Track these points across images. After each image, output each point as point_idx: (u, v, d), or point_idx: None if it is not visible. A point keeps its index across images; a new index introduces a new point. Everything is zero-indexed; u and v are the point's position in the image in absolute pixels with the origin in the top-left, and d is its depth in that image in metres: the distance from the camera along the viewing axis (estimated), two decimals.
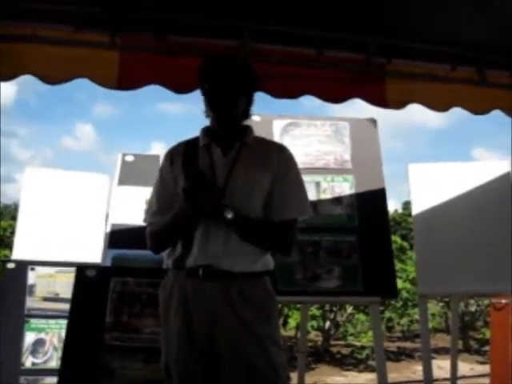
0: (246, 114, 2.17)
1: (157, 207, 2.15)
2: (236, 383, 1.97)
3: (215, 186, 1.99)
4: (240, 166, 2.05)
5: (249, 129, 2.19)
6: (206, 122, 2.19)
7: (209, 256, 1.99)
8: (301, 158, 3.39)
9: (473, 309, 8.91)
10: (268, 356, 1.99)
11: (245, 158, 2.09)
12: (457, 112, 3.87)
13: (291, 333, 8.28)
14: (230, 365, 1.96)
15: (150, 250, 2.21)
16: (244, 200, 2.03)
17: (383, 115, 3.96)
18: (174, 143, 2.23)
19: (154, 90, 3.37)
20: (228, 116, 2.10)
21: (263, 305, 2.04)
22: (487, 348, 7.29)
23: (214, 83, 2.05)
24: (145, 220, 2.22)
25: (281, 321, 7.50)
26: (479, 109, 3.87)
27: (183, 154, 2.13)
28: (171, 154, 2.18)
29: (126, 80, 3.32)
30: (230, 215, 1.95)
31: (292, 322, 7.61)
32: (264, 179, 2.08)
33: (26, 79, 3.17)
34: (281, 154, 2.17)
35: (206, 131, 2.17)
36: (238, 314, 1.97)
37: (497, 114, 3.94)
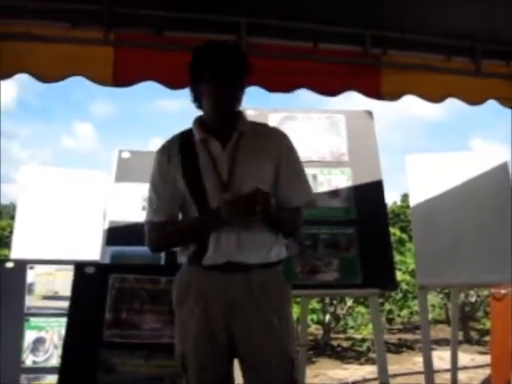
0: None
1: (159, 205, 2.09)
2: (251, 369, 1.99)
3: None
4: (241, 160, 2.02)
5: (242, 115, 2.13)
6: None
7: (224, 255, 1.98)
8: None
9: (473, 299, 8.91)
10: (281, 344, 2.01)
11: (244, 149, 2.05)
12: (454, 103, 3.87)
13: None
14: (245, 353, 1.98)
15: (151, 249, 2.19)
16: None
17: (382, 107, 3.99)
18: None
19: (152, 87, 3.38)
20: (232, 106, 2.05)
21: (279, 293, 2.06)
22: (488, 338, 7.30)
23: (218, 71, 1.97)
24: (145, 218, 2.14)
25: None
26: (474, 99, 3.88)
27: (180, 151, 2.07)
28: (168, 150, 2.10)
29: (121, 76, 3.32)
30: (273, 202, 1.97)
31: None
32: (266, 169, 2.06)
33: (26, 79, 3.17)
34: (282, 141, 2.14)
35: (199, 123, 2.11)
36: (257, 303, 1.98)
37: (494, 104, 3.94)
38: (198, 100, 2.09)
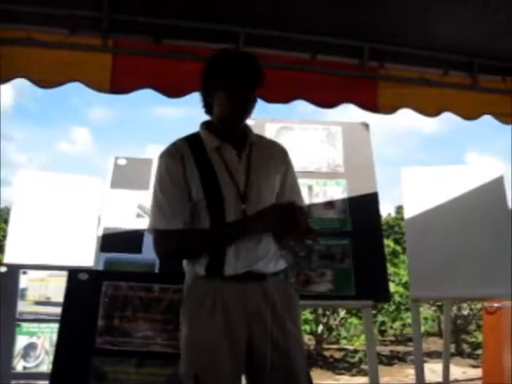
0: None
1: (172, 212, 1.99)
2: (271, 371, 1.97)
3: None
4: (256, 169, 2.05)
5: (248, 126, 2.15)
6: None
7: (245, 264, 1.97)
8: (293, 161, 3.40)
9: (465, 312, 8.94)
10: (299, 347, 2.08)
11: (257, 159, 2.08)
12: (450, 116, 3.89)
13: None
14: (266, 358, 1.97)
15: (161, 257, 2.18)
16: (265, 203, 2.02)
17: (378, 121, 4.01)
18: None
19: (149, 94, 3.39)
20: (246, 114, 2.06)
21: (291, 300, 2.10)
22: (480, 351, 7.31)
23: (236, 79, 1.96)
24: (155, 225, 2.03)
25: None
26: (470, 114, 3.90)
27: (194, 157, 2.02)
28: (180, 154, 2.02)
29: (118, 84, 3.33)
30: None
31: None
32: (273, 181, 2.10)
33: (23, 84, 3.18)
34: (284, 155, 2.21)
35: (210, 129, 2.09)
36: (274, 310, 2.00)
37: (489, 118, 3.96)
38: (208, 105, 2.09)
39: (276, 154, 2.17)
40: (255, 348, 1.97)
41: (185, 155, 2.02)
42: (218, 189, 1.98)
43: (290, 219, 1.90)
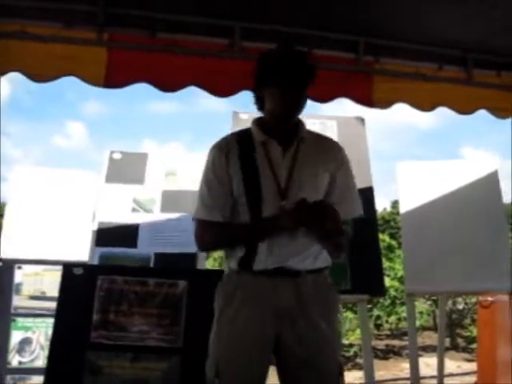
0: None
1: (214, 204, 2.05)
2: (299, 369, 1.97)
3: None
4: (300, 166, 2.03)
5: (301, 123, 2.14)
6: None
7: (276, 260, 1.97)
8: None
9: (460, 307, 8.96)
10: (330, 347, 2.02)
11: (304, 156, 2.06)
12: (445, 111, 3.90)
13: None
14: (292, 354, 1.97)
15: (200, 247, 2.16)
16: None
17: (373, 115, 4.00)
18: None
19: (145, 89, 3.38)
20: (296, 109, 2.06)
21: (327, 299, 2.07)
22: (474, 346, 7.34)
23: (290, 78, 1.99)
24: (197, 215, 2.09)
25: None
26: (465, 108, 3.90)
27: (239, 153, 2.05)
28: (226, 150, 2.07)
29: (113, 77, 3.32)
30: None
31: None
32: (321, 180, 2.07)
33: (17, 77, 3.16)
34: (340, 155, 2.16)
35: (260, 125, 2.11)
36: (305, 307, 1.98)
37: (484, 112, 3.96)
38: (259, 102, 2.10)
39: (329, 153, 2.13)
40: (283, 344, 1.97)
41: (231, 150, 2.06)
42: (258, 184, 2.00)
43: (313, 218, 1.88)
